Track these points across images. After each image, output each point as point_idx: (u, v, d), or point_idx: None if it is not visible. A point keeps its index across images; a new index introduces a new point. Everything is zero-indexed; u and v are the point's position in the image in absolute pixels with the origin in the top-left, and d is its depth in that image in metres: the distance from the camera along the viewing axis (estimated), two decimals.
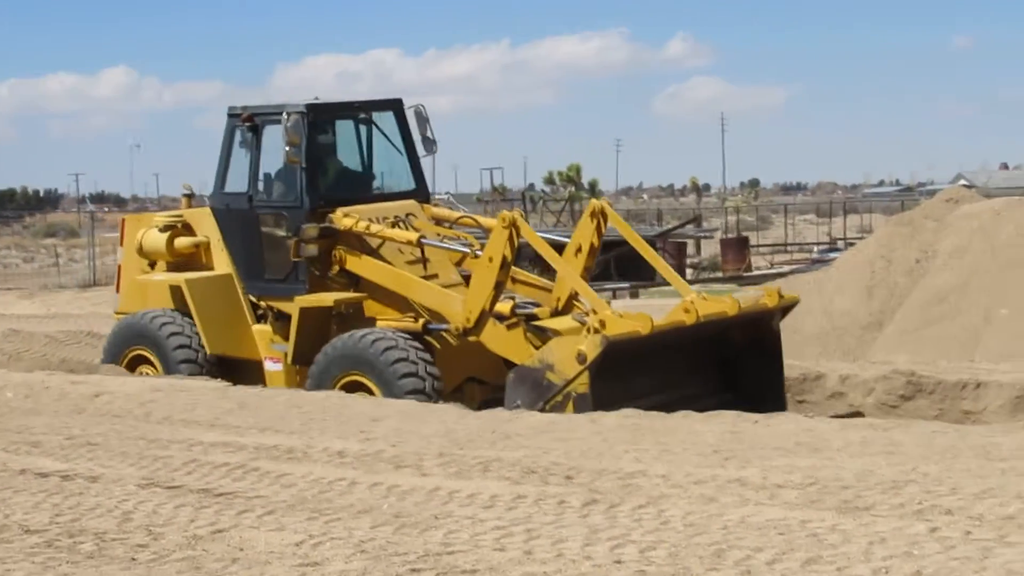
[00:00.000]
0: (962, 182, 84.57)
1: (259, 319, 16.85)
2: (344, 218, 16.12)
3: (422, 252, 16.22)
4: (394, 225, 16.36)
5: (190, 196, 18.28)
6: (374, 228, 16.05)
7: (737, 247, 58.11)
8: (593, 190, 76.55)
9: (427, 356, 15.02)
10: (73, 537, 8.47)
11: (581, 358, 13.34)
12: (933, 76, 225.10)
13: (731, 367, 15.42)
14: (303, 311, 15.98)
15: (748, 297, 15.24)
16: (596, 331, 13.53)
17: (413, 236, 16.17)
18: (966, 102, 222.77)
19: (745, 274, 51.61)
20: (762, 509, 8.47)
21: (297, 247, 16.07)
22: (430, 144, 17.58)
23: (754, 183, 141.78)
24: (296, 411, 13.05)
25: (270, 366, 16.61)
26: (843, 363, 18.21)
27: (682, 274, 53.68)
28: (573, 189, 76.30)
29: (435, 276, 16.13)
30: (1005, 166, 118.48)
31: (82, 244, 62.72)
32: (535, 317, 15.80)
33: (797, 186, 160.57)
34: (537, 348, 14.43)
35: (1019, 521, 7.81)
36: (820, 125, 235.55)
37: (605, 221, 15.71)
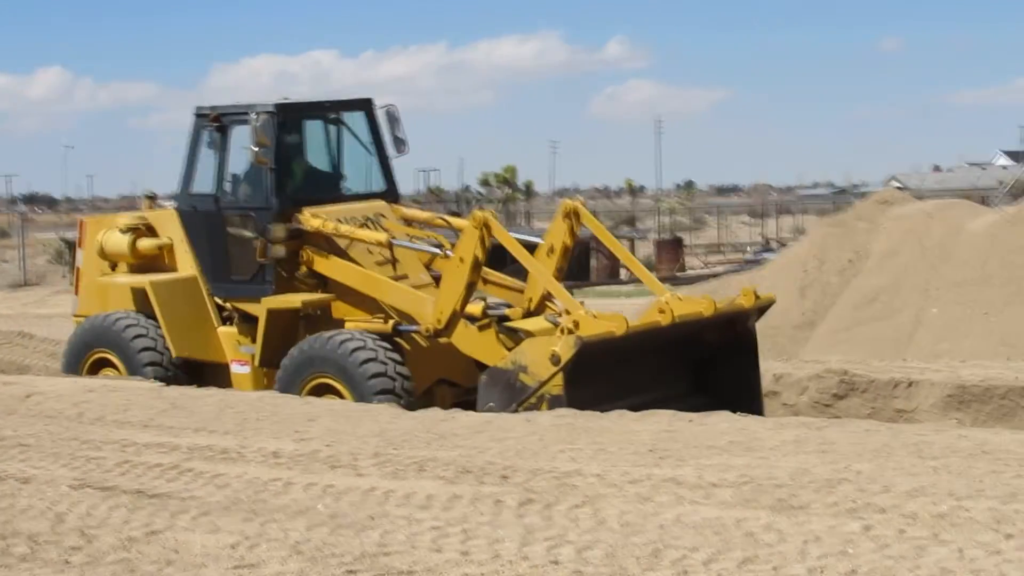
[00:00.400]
0: (895, 184, 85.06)
1: (225, 321, 16.59)
2: (312, 219, 15.87)
3: (391, 253, 15.99)
4: (363, 226, 16.09)
5: (152, 198, 18.06)
6: (343, 229, 15.80)
7: (671, 248, 58.42)
8: (528, 191, 76.64)
9: (397, 357, 14.79)
10: (5, 539, 8.38)
11: (555, 359, 13.12)
12: (865, 78, 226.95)
13: (705, 369, 15.17)
14: (270, 312, 15.76)
15: (724, 297, 14.92)
16: (570, 332, 13.33)
17: (383, 237, 15.91)
18: (898, 104, 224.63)
19: (679, 275, 51.82)
20: (697, 508, 8.49)
21: (264, 248, 15.85)
22: (400, 144, 17.28)
23: (689, 185, 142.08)
24: (230, 411, 12.97)
25: (237, 369, 16.35)
26: (777, 362, 18.29)
27: (617, 275, 53.87)
28: (508, 191, 76.35)
29: (404, 277, 15.92)
30: (937, 168, 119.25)
31: (13, 245, 62.29)
32: (507, 318, 15.63)
33: (731, 187, 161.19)
34: (510, 350, 14.23)
35: (952, 519, 7.87)
36: (755, 127, 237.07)
37: (578, 221, 15.51)
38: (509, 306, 16.07)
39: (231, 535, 8.31)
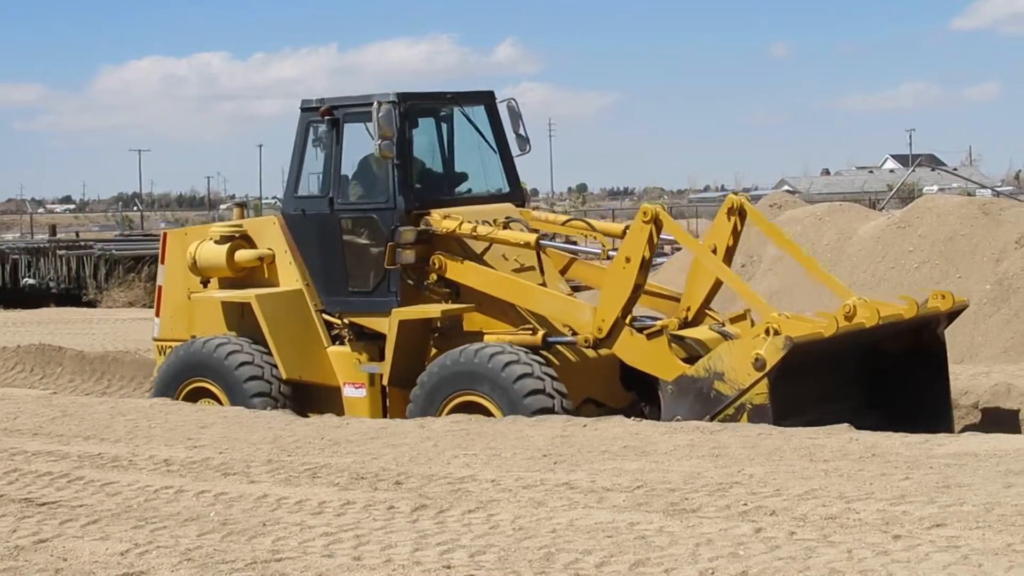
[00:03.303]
0: (785, 188, 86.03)
1: (335, 340, 14.97)
2: (444, 220, 14.36)
3: (539, 258, 14.52)
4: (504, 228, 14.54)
5: (243, 206, 16.83)
6: (481, 230, 14.32)
7: None
8: None
9: (552, 372, 13.35)
10: None
11: (759, 364, 11.89)
12: (756, 83, 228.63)
13: (883, 380, 13.55)
14: (403, 325, 14.08)
15: (912, 300, 13.22)
16: (776, 332, 12.00)
17: (531, 238, 14.39)
18: (788, 109, 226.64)
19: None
20: (591, 512, 8.52)
21: (392, 253, 14.28)
22: (524, 142, 15.81)
23: (582, 188, 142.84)
24: (122, 419, 12.86)
25: (350, 392, 14.74)
26: None
27: None
28: None
29: (543, 285, 14.38)
30: (826, 172, 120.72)
31: None
32: (647, 328, 13.80)
33: (624, 191, 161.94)
34: (689, 361, 12.97)
35: (841, 521, 7.95)
36: (647, 130, 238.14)
37: (743, 220, 13.92)
38: (656, 318, 14.58)
39: (121, 543, 8.24)
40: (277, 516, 8.83)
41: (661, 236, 13.41)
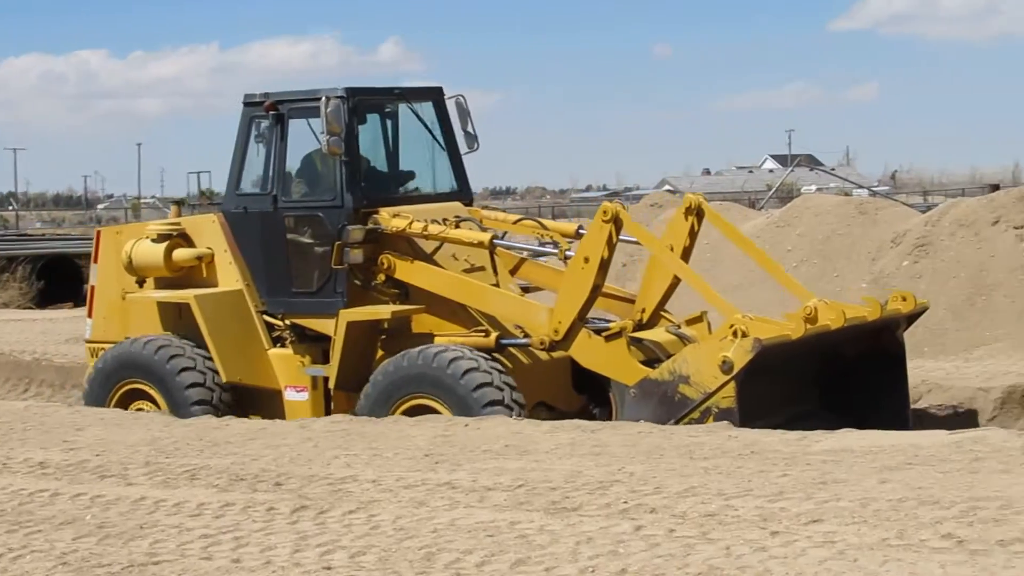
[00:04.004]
0: (666, 187, 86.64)
1: (275, 342, 14.50)
2: (393, 219, 13.92)
3: (492, 257, 14.13)
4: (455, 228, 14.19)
5: (180, 203, 16.41)
6: (433, 229, 13.90)
7: None
8: None
9: (511, 380, 12.90)
10: None
11: (727, 366, 11.67)
12: (637, 83, 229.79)
13: (838, 384, 13.35)
14: (351, 327, 13.62)
15: (875, 301, 13.01)
16: (743, 335, 11.76)
17: (484, 237, 14.01)
18: (669, 109, 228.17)
19: None
20: (472, 512, 8.52)
21: (340, 253, 13.83)
22: (472, 139, 15.32)
23: None
24: None
25: (292, 395, 14.26)
26: None
27: None
28: None
29: (495, 286, 13.99)
30: (707, 172, 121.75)
31: None
32: (604, 331, 13.35)
33: (506, 190, 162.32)
34: (650, 364, 12.77)
35: (720, 518, 8.01)
36: (529, 130, 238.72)
37: (701, 220, 13.66)
38: (609, 320, 14.12)
39: None
40: (155, 519, 8.74)
41: (621, 236, 13.18)
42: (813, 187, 74.44)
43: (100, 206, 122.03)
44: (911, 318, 13.53)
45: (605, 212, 13.06)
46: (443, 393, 12.86)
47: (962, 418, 14.49)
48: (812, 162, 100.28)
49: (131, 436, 11.75)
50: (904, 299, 13.32)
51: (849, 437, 10.53)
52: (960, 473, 8.94)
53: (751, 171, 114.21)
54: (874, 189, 69.79)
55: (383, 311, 13.78)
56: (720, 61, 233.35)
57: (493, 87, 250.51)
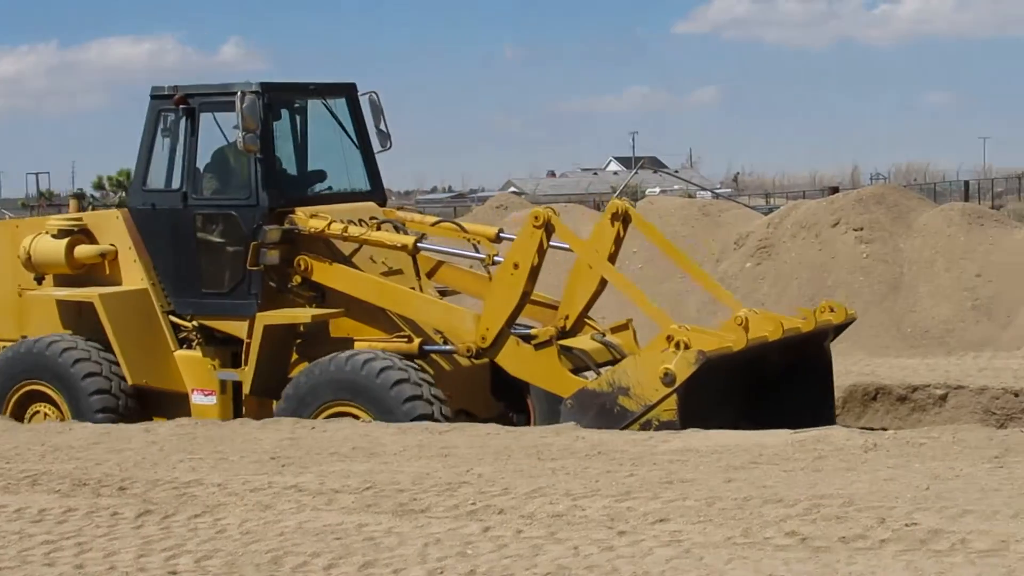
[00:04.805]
0: (512, 189, 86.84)
1: (182, 343, 13.94)
2: (311, 219, 13.42)
3: (414, 260, 13.74)
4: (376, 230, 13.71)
5: (80, 198, 15.65)
6: (353, 231, 13.41)
7: None
8: None
9: (441, 393, 12.48)
10: None
11: (669, 379, 11.35)
12: (482, 84, 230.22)
13: (763, 395, 12.90)
14: (268, 331, 13.12)
15: (810, 313, 12.79)
16: (686, 346, 11.43)
17: (408, 240, 13.49)
18: (514, 110, 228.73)
19: None
20: (319, 514, 8.48)
21: (256, 254, 13.27)
22: (385, 138, 14.82)
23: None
24: None
25: (199, 399, 13.72)
26: None
27: None
28: (124, 194, 74.92)
29: (414, 289, 13.57)
30: (552, 174, 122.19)
31: None
32: (533, 338, 12.93)
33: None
34: (570, 372, 12.56)
35: (568, 518, 8.05)
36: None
37: (627, 226, 13.21)
38: (530, 326, 13.45)
39: None
40: None
41: (551, 243, 12.83)
42: (657, 189, 75.03)
43: None
44: (839, 329, 13.31)
45: (536, 218, 12.71)
46: (370, 403, 12.42)
47: None
48: (656, 164, 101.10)
49: None
50: (832, 310, 13.05)
51: (695, 437, 10.64)
52: (803, 472, 9.08)
53: (596, 173, 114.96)
54: (717, 191, 70.54)
55: (302, 314, 13.31)
56: (565, 63, 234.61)
57: None
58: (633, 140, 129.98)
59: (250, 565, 7.44)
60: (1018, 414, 15.18)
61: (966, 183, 69.41)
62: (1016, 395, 15.33)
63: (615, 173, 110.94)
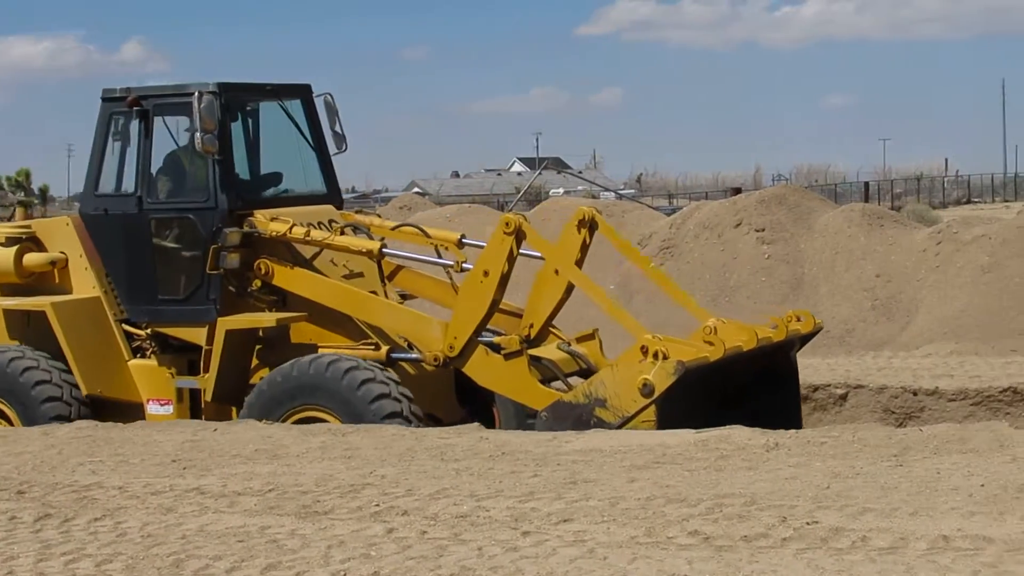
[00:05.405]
0: (415, 190, 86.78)
1: (135, 352, 13.66)
2: (272, 222, 13.15)
3: (379, 265, 13.49)
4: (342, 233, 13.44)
5: (26, 206, 15.12)
6: (316, 235, 13.14)
7: None
8: (44, 196, 74.71)
9: (408, 391, 12.25)
10: None
11: (647, 390, 11.19)
12: (386, 84, 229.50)
13: (741, 400, 12.55)
14: (230, 336, 12.86)
15: (781, 322, 12.71)
16: (664, 357, 11.34)
17: (373, 245, 13.18)
18: (418, 111, 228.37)
19: None
20: (221, 517, 8.42)
21: (215, 257, 12.97)
22: (340, 140, 14.60)
23: None
24: None
25: (155, 409, 13.42)
26: None
27: None
28: (23, 194, 74.10)
29: (374, 293, 13.33)
30: (456, 174, 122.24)
31: None
32: (498, 347, 12.65)
33: None
34: (546, 383, 12.34)
35: (472, 519, 8.05)
36: None
37: (593, 233, 12.86)
38: (498, 334, 13.06)
39: None
40: None
41: (521, 250, 12.63)
42: (561, 190, 75.37)
43: None
44: (805, 339, 13.23)
45: (508, 224, 12.47)
46: (336, 405, 12.18)
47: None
48: (560, 165, 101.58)
49: None
50: (799, 319, 13.00)
51: (599, 437, 10.67)
52: (706, 471, 9.14)
53: (500, 174, 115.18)
54: (620, 192, 70.96)
55: (266, 318, 13.03)
56: (469, 64, 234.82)
57: None
58: (537, 141, 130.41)
59: (151, 569, 7.38)
60: (917, 413, 15.39)
61: (866, 184, 70.24)
62: (915, 394, 15.54)
63: (519, 174, 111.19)
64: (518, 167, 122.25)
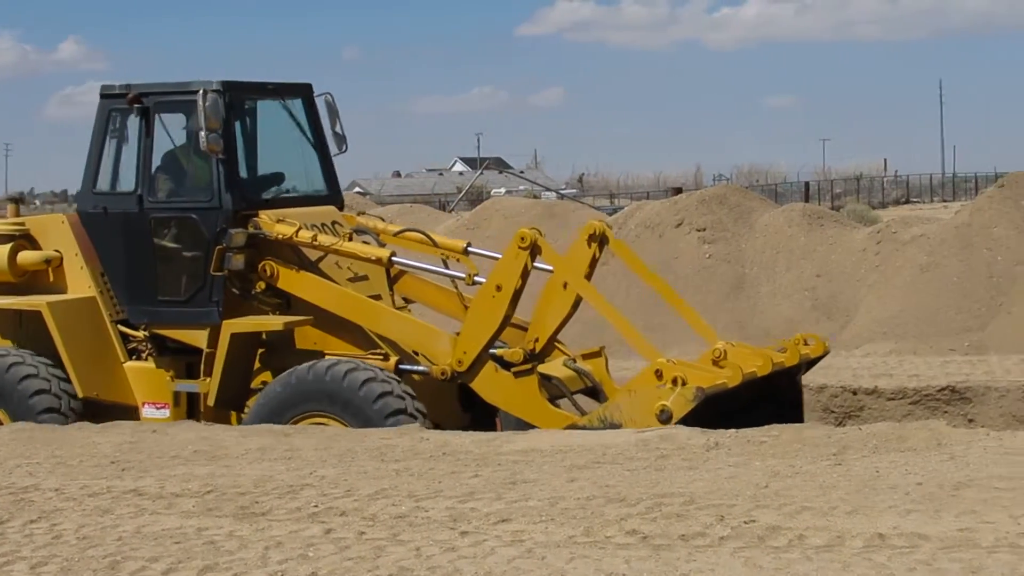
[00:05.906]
0: (356, 189, 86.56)
1: (131, 354, 13.35)
2: (278, 224, 12.85)
3: (388, 274, 13.33)
4: (348, 237, 13.18)
5: (19, 202, 14.61)
6: (324, 239, 12.83)
7: None
8: None
9: (410, 390, 12.01)
10: None
11: (665, 416, 10.92)
12: (325, 85, 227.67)
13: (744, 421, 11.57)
14: (235, 339, 12.55)
15: (793, 346, 12.52)
16: (683, 383, 11.08)
17: (383, 253, 12.99)
18: (359, 111, 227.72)
19: None
20: (159, 518, 8.38)
21: (220, 258, 12.67)
22: (340, 140, 14.28)
23: None
24: None
25: (151, 412, 13.08)
26: None
27: None
28: None
29: (378, 298, 13.06)
30: (397, 174, 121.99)
31: None
32: (506, 363, 12.40)
33: None
34: (554, 402, 12.07)
35: (411, 520, 8.04)
36: None
37: (603, 247, 12.67)
38: (501, 345, 12.83)
39: None
40: None
41: (535, 264, 12.36)
42: (502, 190, 75.32)
43: None
44: (812, 363, 12.99)
45: (523, 239, 12.16)
46: (349, 415, 11.89)
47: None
48: (501, 165, 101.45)
49: None
50: (807, 342, 12.73)
51: (540, 437, 10.68)
52: (646, 471, 9.16)
53: (441, 174, 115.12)
54: (562, 192, 70.96)
55: (273, 321, 12.76)
56: (409, 64, 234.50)
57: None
58: (478, 141, 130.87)
59: (87, 571, 7.33)
60: (856, 412, 15.46)
61: (806, 184, 70.66)
62: (854, 393, 15.61)
63: (460, 174, 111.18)
64: (459, 167, 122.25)
